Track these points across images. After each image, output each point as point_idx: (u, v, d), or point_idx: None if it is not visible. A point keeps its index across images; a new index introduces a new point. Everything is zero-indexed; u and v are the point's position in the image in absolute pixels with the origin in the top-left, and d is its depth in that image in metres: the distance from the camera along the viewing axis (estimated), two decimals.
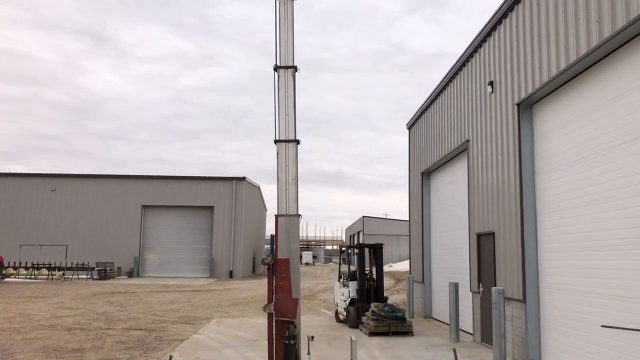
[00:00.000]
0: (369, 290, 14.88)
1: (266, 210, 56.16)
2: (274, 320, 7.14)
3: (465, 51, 13.11)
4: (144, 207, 40.21)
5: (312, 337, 8.57)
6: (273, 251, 7.34)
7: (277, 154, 7.51)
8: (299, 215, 7.45)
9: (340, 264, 17.11)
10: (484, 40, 11.95)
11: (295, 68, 7.53)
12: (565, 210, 8.73)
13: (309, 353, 8.58)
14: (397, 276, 38.31)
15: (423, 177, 17.68)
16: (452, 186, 15.11)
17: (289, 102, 7.52)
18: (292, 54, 7.48)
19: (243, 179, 40.27)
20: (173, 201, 40.14)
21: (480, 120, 12.09)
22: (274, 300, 7.18)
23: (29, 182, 40.32)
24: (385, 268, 54.21)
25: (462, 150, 13.82)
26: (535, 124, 9.97)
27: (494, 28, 11.35)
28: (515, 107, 10.15)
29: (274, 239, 7.38)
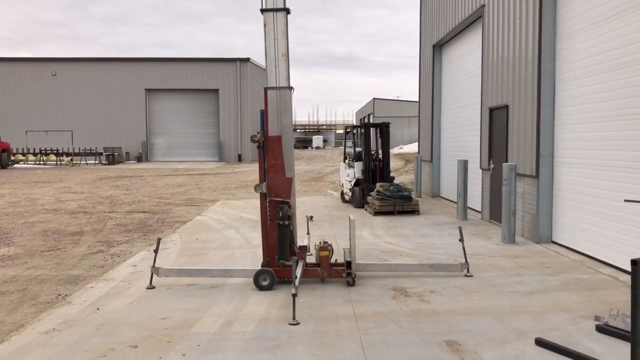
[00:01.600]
0: (375, 171, 14.43)
1: None
2: (267, 201, 6.69)
3: None
4: (148, 90, 39.34)
5: (311, 217, 8.19)
6: (264, 128, 6.73)
7: (265, 25, 6.67)
8: (290, 88, 6.74)
9: (345, 145, 16.57)
10: None
11: None
12: (589, 77, 7.89)
13: (308, 233, 8.24)
14: (407, 157, 38.09)
15: (434, 50, 16.57)
16: (464, 58, 14.11)
17: None
18: None
19: (247, 60, 38.85)
20: (177, 84, 39.17)
21: None
22: (266, 180, 6.68)
23: (29, 66, 39.26)
24: (396, 150, 54.17)
25: (476, 17, 12.68)
26: None
27: None
28: None
29: (264, 115, 6.74)
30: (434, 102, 16.55)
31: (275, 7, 6.63)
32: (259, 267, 6.70)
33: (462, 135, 14.17)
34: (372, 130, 14.86)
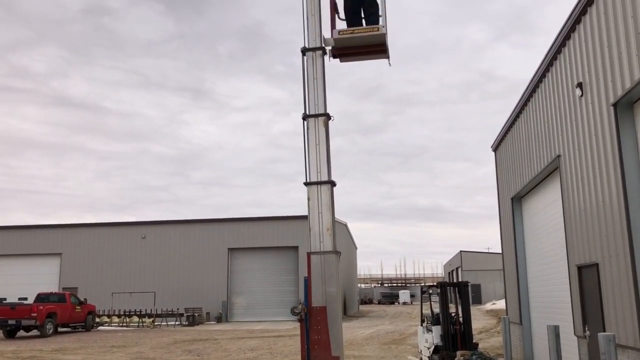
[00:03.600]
0: (455, 336, 12.98)
1: (356, 249, 54.66)
2: None
3: (548, 53, 11.35)
4: (230, 250, 40.12)
5: None
6: (306, 298, 6.04)
7: (308, 199, 6.28)
8: (337, 253, 6.12)
9: (421, 305, 15.35)
10: (567, 37, 10.18)
11: (327, 115, 6.37)
12: None
13: None
14: (500, 314, 35.37)
15: (513, 203, 15.69)
16: (546, 211, 13.09)
17: (320, 149, 6.32)
18: (324, 102, 6.36)
19: None
20: (258, 243, 39.78)
21: (571, 130, 10.23)
22: (309, 359, 5.83)
23: (121, 230, 41.58)
24: (487, 306, 50.87)
25: (553, 168, 11.91)
26: (638, 126, 8.05)
27: (577, 20, 9.59)
28: (611, 108, 8.30)
29: (306, 283, 6.09)
30: (518, 258, 15.29)
31: (319, 180, 6.27)
32: None
33: (552, 294, 12.70)
34: (450, 289, 13.68)
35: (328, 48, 6.74)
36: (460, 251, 70.22)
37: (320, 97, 6.49)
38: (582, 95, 9.55)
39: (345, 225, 47.58)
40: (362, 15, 7.04)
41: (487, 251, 70.69)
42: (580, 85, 9.57)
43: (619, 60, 7.97)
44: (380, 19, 6.71)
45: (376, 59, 7.06)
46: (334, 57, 6.90)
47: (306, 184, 6.31)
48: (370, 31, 6.62)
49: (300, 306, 5.96)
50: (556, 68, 11.00)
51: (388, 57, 6.96)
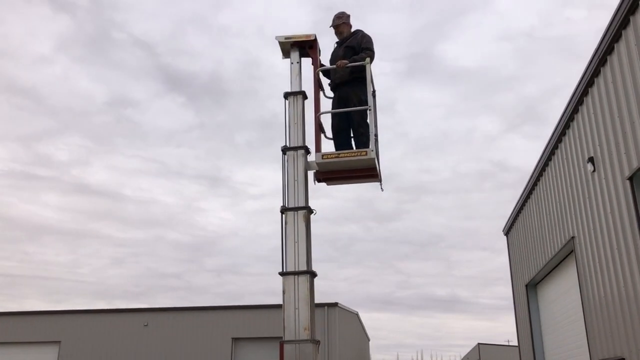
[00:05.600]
0: None
1: (368, 340, 52.25)
2: None
3: (555, 130, 10.80)
4: (234, 339, 38.37)
5: None
6: None
7: (283, 291, 5.54)
8: (315, 342, 5.27)
9: None
10: (575, 111, 9.65)
11: (308, 209, 5.74)
12: None
13: None
14: None
15: (528, 290, 14.63)
16: (564, 299, 12.05)
17: (300, 245, 5.63)
18: (305, 196, 5.76)
19: (335, 304, 37.58)
20: (263, 332, 38.05)
21: (585, 208, 9.46)
22: None
23: (123, 317, 40.10)
24: None
25: (568, 251, 11.02)
26: None
27: (584, 92, 9.09)
28: (627, 182, 7.58)
29: None
30: (535, 351, 14.03)
31: (297, 270, 5.54)
32: None
33: None
34: None
35: (311, 172, 6.12)
36: (478, 344, 67.00)
37: (301, 193, 5.82)
38: (594, 171, 8.85)
39: (357, 315, 45.65)
40: (352, 135, 6.45)
41: (506, 344, 67.39)
42: (591, 159, 8.90)
43: (632, 131, 7.33)
44: (371, 142, 6.04)
45: (366, 183, 6.34)
46: (319, 181, 6.25)
47: (282, 274, 5.56)
48: (358, 155, 5.87)
49: None
50: (565, 144, 10.40)
51: (379, 181, 6.25)
